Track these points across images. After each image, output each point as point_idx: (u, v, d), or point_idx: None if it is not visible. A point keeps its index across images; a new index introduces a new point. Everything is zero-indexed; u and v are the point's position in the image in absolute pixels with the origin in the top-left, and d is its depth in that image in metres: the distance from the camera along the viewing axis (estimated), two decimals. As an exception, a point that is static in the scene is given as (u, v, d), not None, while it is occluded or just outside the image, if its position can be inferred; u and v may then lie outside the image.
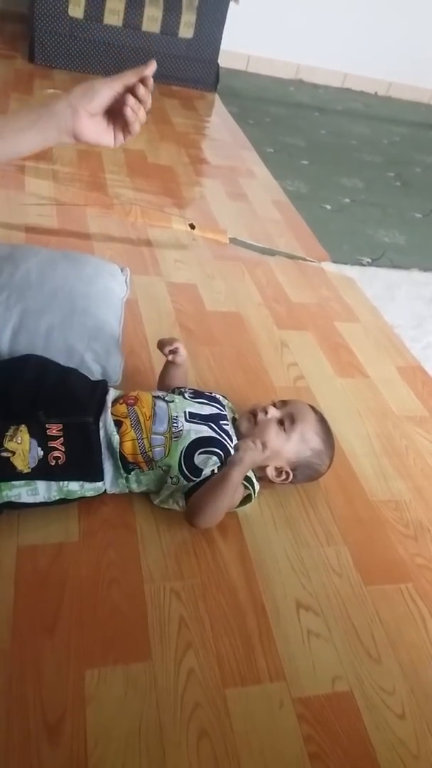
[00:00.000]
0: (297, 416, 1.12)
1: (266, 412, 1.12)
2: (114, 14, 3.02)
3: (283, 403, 1.16)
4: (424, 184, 3.00)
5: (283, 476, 1.12)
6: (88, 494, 1.00)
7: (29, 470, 0.94)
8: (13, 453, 0.93)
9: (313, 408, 1.18)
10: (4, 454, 0.93)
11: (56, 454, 0.96)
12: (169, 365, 1.20)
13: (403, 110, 4.16)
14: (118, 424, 1.03)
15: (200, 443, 1.05)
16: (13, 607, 0.87)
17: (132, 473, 1.03)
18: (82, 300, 1.31)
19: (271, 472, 1.11)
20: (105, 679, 0.82)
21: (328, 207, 2.48)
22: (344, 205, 2.53)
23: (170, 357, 1.17)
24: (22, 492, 0.94)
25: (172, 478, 1.03)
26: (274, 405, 1.15)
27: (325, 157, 3.02)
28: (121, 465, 1.02)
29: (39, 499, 0.96)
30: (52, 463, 0.96)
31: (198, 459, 1.03)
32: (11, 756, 0.73)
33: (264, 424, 1.11)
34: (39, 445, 0.95)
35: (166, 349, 1.16)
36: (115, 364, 1.26)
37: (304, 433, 1.12)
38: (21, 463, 0.93)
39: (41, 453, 0.95)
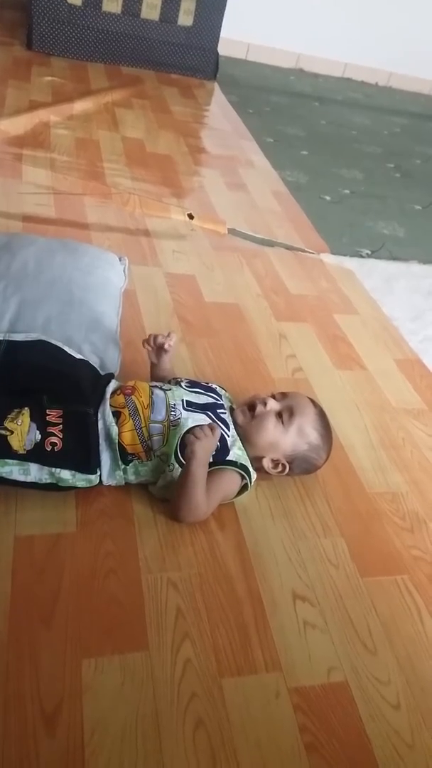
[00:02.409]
0: (296, 410, 1.12)
1: (265, 404, 1.12)
2: (113, 1, 2.99)
3: (283, 395, 1.16)
4: (424, 176, 2.99)
5: (279, 468, 1.12)
6: (79, 484, 1.00)
7: (24, 452, 0.95)
8: (11, 432, 0.94)
9: (313, 402, 1.18)
10: (2, 432, 0.94)
11: (53, 440, 0.97)
12: (154, 366, 1.21)
13: (403, 101, 4.13)
14: (116, 414, 1.03)
15: None
16: (10, 597, 0.87)
17: (130, 464, 1.03)
18: (80, 291, 1.30)
19: (267, 463, 1.11)
20: (102, 669, 0.82)
21: (328, 198, 2.47)
22: (344, 197, 2.52)
23: (166, 346, 1.17)
24: (14, 470, 0.95)
25: (168, 466, 1.03)
26: (274, 397, 1.14)
27: (324, 147, 3.00)
28: (119, 456, 1.02)
29: (30, 479, 0.96)
30: (48, 449, 0.96)
31: None
32: (8, 745, 0.74)
33: (262, 416, 1.11)
34: (38, 429, 0.96)
35: (160, 340, 1.17)
36: (113, 355, 1.26)
37: (302, 426, 1.11)
38: (17, 444, 0.94)
39: (39, 437, 0.96)
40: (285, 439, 1.11)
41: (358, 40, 3.98)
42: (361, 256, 2.08)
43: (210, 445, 1.00)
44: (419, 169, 3.07)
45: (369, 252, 2.13)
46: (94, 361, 1.22)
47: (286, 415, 1.11)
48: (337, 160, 2.87)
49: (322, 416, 1.16)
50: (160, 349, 1.18)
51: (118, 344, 1.29)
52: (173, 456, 1.03)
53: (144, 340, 1.20)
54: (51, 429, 0.97)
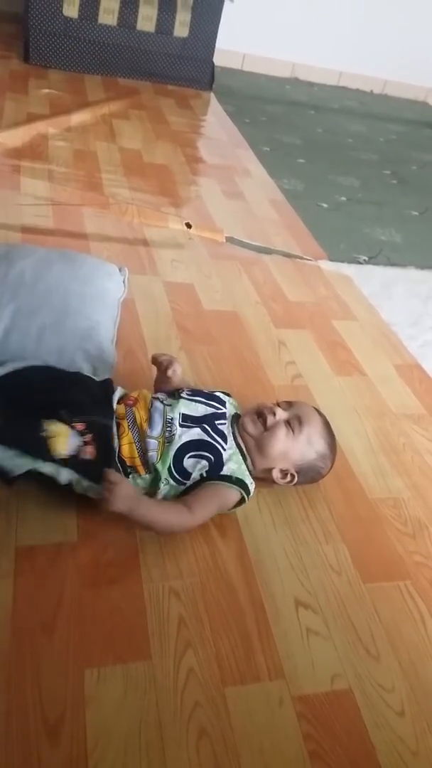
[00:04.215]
0: (304, 419, 1.12)
1: (274, 414, 1.11)
2: (109, 13, 3.02)
3: (289, 404, 1.15)
4: (420, 182, 3.01)
5: (288, 478, 1.11)
6: (90, 494, 0.99)
7: (66, 456, 0.94)
8: (55, 436, 0.93)
9: (318, 411, 1.18)
10: (43, 434, 0.93)
11: (89, 449, 0.97)
12: (161, 377, 1.18)
13: (398, 108, 4.16)
14: (116, 425, 1.03)
15: (190, 447, 1.04)
16: (12, 607, 0.87)
17: (129, 477, 1.03)
18: (77, 300, 1.31)
19: (276, 474, 1.11)
20: (104, 679, 0.82)
21: (325, 205, 2.48)
22: (341, 204, 2.54)
23: (168, 373, 1.15)
24: (45, 468, 0.95)
25: (163, 481, 1.03)
26: (279, 405, 1.14)
27: (321, 155, 3.02)
28: (120, 469, 1.01)
29: (62, 480, 0.96)
30: (85, 457, 0.96)
31: (187, 462, 1.03)
32: (11, 756, 0.73)
33: (274, 427, 1.10)
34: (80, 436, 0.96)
35: (162, 368, 1.15)
36: (106, 365, 1.25)
37: (310, 435, 1.11)
38: (61, 446, 0.94)
39: (82, 442, 0.96)
40: (295, 448, 1.10)
41: (352, 49, 4.01)
42: (359, 263, 2.09)
43: (121, 492, 0.92)
44: (415, 176, 3.09)
45: (366, 258, 2.13)
46: (87, 369, 1.21)
47: (295, 424, 1.10)
48: (334, 168, 2.89)
49: (327, 425, 1.16)
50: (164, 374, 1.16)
51: (112, 353, 1.29)
52: (167, 471, 1.02)
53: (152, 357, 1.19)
54: (84, 438, 0.97)
